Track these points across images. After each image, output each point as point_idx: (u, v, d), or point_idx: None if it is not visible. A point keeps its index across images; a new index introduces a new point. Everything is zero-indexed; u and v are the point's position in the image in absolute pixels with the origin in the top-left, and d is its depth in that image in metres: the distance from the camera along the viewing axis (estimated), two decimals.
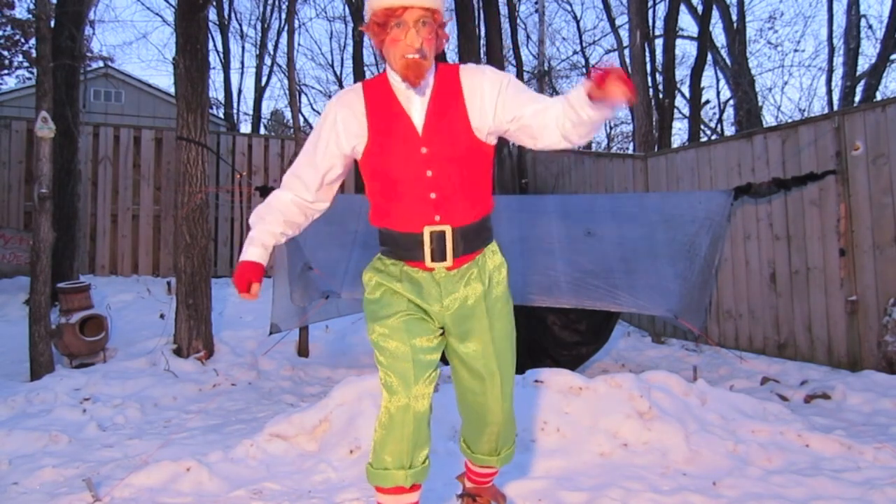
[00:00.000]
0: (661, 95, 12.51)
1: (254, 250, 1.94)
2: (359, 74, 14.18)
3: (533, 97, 1.85)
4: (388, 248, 1.94)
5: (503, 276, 2.00)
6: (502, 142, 7.27)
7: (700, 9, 13.36)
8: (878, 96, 12.87)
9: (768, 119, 17.50)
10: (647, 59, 12.17)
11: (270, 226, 1.96)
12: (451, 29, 1.88)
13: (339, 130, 1.88)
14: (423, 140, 1.83)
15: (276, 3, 19.06)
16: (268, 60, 19.99)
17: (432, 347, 1.88)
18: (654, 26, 14.34)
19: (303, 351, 5.94)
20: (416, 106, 1.85)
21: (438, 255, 1.86)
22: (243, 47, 21.49)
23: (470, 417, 2.06)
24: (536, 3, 17.06)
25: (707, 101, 16.94)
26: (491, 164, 1.95)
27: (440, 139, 1.83)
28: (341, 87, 21.23)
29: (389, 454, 1.78)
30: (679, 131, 18.66)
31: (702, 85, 13.10)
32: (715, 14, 13.85)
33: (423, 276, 1.90)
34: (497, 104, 1.84)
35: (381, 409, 1.80)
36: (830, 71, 14.82)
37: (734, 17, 14.68)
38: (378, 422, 1.81)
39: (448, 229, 1.85)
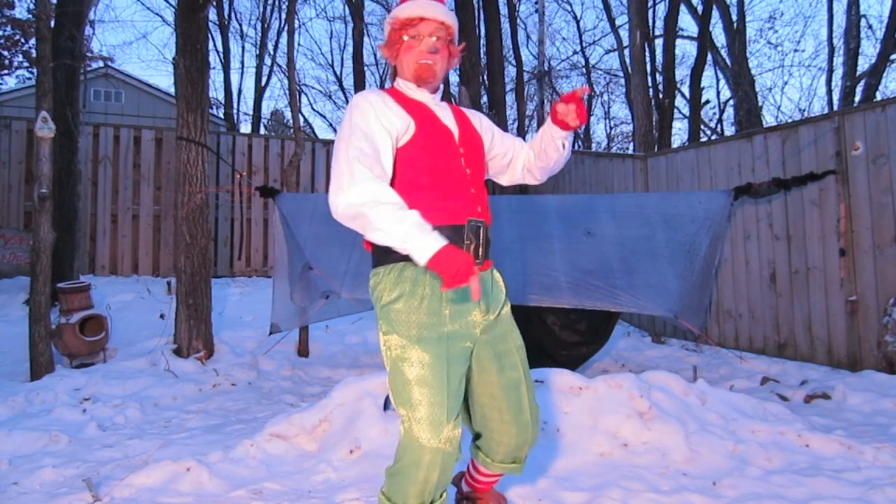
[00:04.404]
0: (661, 95, 12.53)
1: (438, 235, 1.62)
2: (359, 74, 14.18)
3: (512, 137, 2.17)
4: None
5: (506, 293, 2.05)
6: None
7: (700, 9, 13.37)
8: (878, 96, 12.89)
9: (768, 119, 17.54)
10: (647, 59, 12.19)
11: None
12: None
13: (382, 120, 1.79)
14: (460, 143, 1.94)
15: (276, 3, 19.13)
16: (268, 60, 20.05)
17: (462, 374, 1.82)
18: (654, 26, 14.37)
19: (303, 351, 5.94)
20: (445, 114, 1.96)
21: (475, 249, 1.84)
22: (243, 47, 21.60)
23: (494, 434, 1.97)
24: (536, 3, 17.06)
25: (707, 101, 16.96)
26: None
27: (470, 146, 1.97)
28: (341, 87, 21.29)
29: (412, 495, 1.74)
30: (679, 131, 18.71)
31: (702, 85, 13.11)
32: (715, 14, 13.87)
33: None
34: (494, 136, 2.10)
35: (407, 446, 1.73)
36: (830, 71, 14.85)
37: (734, 17, 14.69)
38: (404, 455, 1.74)
39: (483, 224, 1.89)
